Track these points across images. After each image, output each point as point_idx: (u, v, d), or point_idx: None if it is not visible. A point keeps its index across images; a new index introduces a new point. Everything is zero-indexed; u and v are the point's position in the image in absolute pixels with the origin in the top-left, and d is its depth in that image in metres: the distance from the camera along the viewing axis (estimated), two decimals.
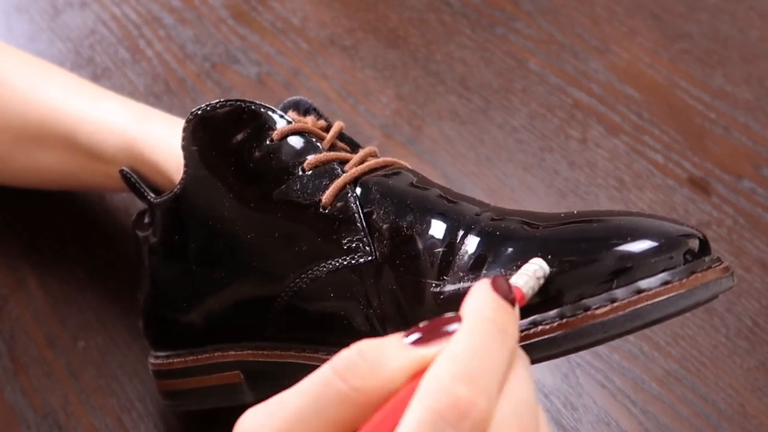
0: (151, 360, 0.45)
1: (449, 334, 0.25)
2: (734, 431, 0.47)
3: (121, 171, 0.45)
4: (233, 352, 0.42)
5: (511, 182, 0.61)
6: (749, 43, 0.74)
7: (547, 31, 0.74)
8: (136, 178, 0.45)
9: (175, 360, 0.44)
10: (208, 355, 0.43)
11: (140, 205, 0.57)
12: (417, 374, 0.24)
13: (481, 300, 0.26)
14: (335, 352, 0.37)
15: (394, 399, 0.24)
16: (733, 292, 0.54)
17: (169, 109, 0.64)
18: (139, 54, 0.70)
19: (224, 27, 0.74)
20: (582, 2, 0.78)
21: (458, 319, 0.25)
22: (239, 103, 0.40)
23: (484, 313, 0.25)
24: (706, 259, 0.32)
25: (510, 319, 0.26)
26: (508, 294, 0.27)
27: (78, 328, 0.51)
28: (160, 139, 0.45)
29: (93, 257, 0.55)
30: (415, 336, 0.25)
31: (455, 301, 0.32)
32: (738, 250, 0.57)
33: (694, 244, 0.32)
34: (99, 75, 0.68)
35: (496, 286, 0.27)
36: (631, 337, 0.51)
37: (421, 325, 0.25)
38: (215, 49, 0.71)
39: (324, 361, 0.37)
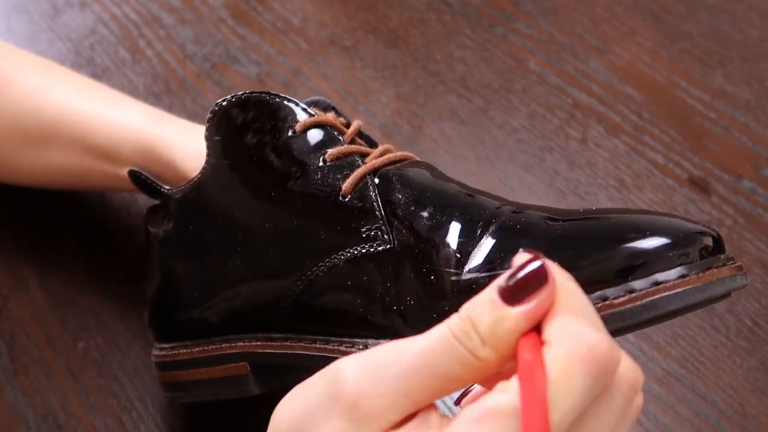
0: (155, 352, 0.45)
1: (539, 288, 0.26)
2: (734, 431, 0.47)
3: (131, 171, 0.45)
4: (241, 344, 0.42)
5: (511, 182, 0.61)
6: (749, 43, 0.74)
7: (547, 31, 0.74)
8: (147, 174, 0.45)
9: (181, 351, 0.44)
10: (215, 346, 0.43)
11: (141, 205, 0.58)
12: (525, 333, 0.26)
13: (546, 260, 0.27)
14: (346, 344, 0.38)
15: (522, 365, 0.25)
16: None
17: (169, 109, 0.64)
18: (139, 54, 0.70)
19: (224, 27, 0.74)
20: (582, 2, 0.78)
21: (546, 271, 0.26)
22: (264, 94, 0.41)
23: (561, 272, 0.27)
24: (721, 256, 0.33)
25: None
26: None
27: (78, 328, 0.51)
28: (177, 141, 0.46)
29: (93, 257, 0.55)
30: (510, 297, 0.26)
31: (473, 291, 0.33)
32: (738, 250, 0.57)
33: (709, 241, 0.33)
34: (99, 75, 0.68)
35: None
36: (631, 337, 0.51)
37: (507, 282, 0.26)
38: (215, 49, 0.71)
39: (334, 352, 0.38)
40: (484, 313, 0.26)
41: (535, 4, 0.77)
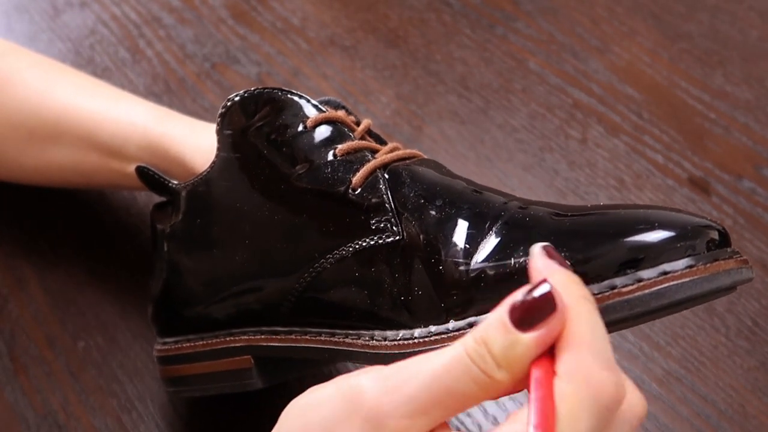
0: (157, 347, 0.45)
1: (549, 312, 0.26)
2: (734, 431, 0.47)
3: (138, 167, 0.45)
4: (245, 337, 0.42)
5: (511, 182, 0.61)
6: (749, 43, 0.74)
7: (547, 31, 0.74)
8: (155, 170, 0.45)
9: (184, 345, 0.44)
10: (218, 340, 0.43)
11: (141, 205, 0.58)
12: (537, 359, 0.26)
13: (563, 276, 0.28)
14: (351, 335, 0.38)
15: (532, 396, 0.25)
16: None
17: (169, 108, 0.64)
18: (139, 54, 0.70)
19: (224, 27, 0.74)
20: (582, 2, 0.78)
21: (553, 299, 0.26)
22: (276, 90, 0.42)
23: (578, 291, 0.27)
24: (728, 249, 0.34)
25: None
26: (563, 261, 0.29)
27: (78, 328, 0.51)
28: (185, 137, 0.46)
29: (93, 257, 0.55)
30: (520, 322, 0.26)
31: (481, 282, 0.34)
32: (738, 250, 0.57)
33: (716, 235, 0.34)
34: (99, 75, 0.68)
35: (557, 259, 0.29)
36: (631, 337, 0.51)
37: (517, 304, 0.26)
38: (215, 49, 0.71)
39: (339, 344, 0.38)
40: (497, 336, 0.26)
41: (535, 4, 0.77)
